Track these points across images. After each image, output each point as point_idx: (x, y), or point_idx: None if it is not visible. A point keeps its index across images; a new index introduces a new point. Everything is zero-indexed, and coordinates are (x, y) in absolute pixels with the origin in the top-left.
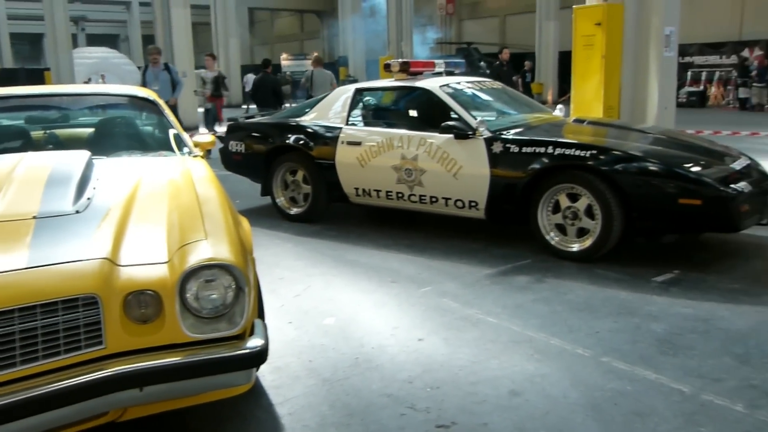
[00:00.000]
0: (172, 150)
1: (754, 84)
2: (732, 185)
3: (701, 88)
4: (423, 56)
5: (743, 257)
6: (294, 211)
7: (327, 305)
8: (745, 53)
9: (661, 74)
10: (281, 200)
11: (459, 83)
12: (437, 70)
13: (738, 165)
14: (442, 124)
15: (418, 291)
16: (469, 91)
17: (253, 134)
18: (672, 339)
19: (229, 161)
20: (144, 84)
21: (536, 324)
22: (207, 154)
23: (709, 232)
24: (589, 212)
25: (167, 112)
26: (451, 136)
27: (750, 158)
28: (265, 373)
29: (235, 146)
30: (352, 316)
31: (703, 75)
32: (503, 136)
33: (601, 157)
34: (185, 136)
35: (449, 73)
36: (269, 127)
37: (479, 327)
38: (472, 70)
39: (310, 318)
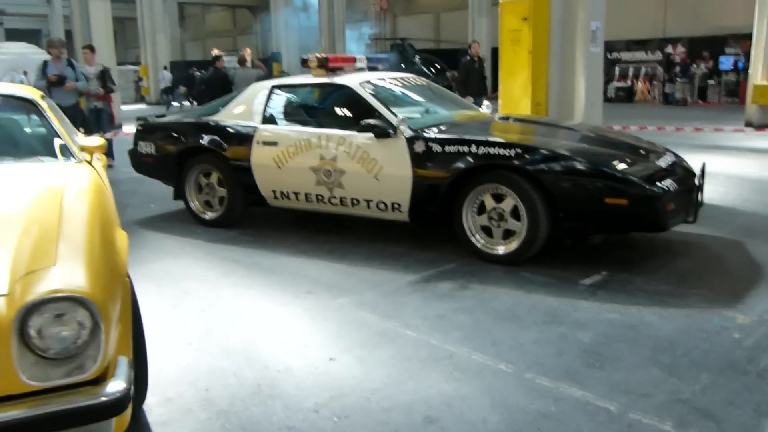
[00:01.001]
0: (53, 156)
1: (678, 79)
2: (658, 183)
3: (629, 83)
4: (358, 52)
5: (670, 256)
6: (209, 215)
7: (234, 322)
8: (669, 50)
9: (587, 70)
10: (195, 204)
11: (381, 79)
12: (359, 65)
13: (664, 162)
14: (361, 122)
15: (334, 302)
16: (392, 88)
17: (164, 134)
18: (599, 349)
19: (139, 163)
20: (47, 89)
21: (458, 337)
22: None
23: (636, 231)
24: (515, 213)
25: (49, 113)
26: (371, 135)
27: (676, 155)
28: (152, 406)
29: (144, 147)
30: (260, 334)
31: (630, 71)
32: (425, 135)
33: (526, 156)
34: (69, 140)
35: (372, 69)
36: (181, 127)
37: (396, 342)
38: (406, 66)
39: (213, 337)
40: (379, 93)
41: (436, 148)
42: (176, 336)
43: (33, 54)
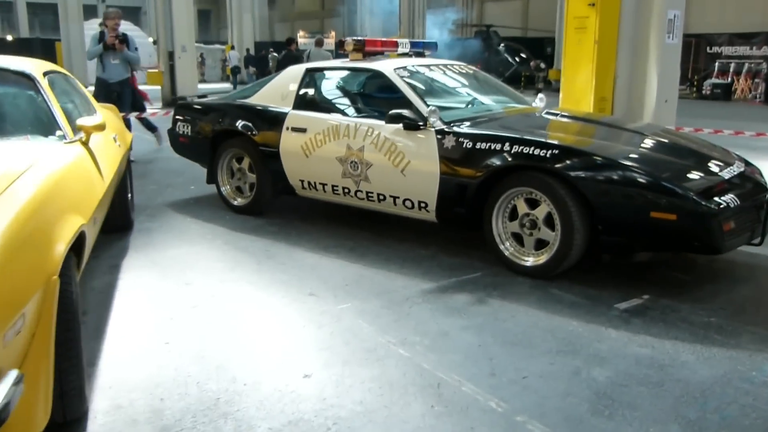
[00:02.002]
0: (44, 134)
1: None
2: (716, 198)
3: (728, 80)
4: (439, 38)
5: (729, 282)
6: (238, 202)
7: (220, 323)
8: None
9: (661, 63)
10: (226, 189)
11: (422, 66)
12: (401, 50)
13: (729, 173)
14: (390, 112)
15: (335, 308)
16: (433, 76)
17: (200, 116)
18: (614, 392)
19: (177, 144)
20: (100, 58)
21: (454, 361)
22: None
23: (687, 252)
24: (550, 222)
25: (47, 89)
26: (399, 126)
27: (750, 165)
28: (99, 412)
29: (181, 128)
30: (243, 339)
31: (732, 66)
32: (456, 129)
33: (563, 157)
34: (64, 118)
35: (419, 55)
36: (215, 109)
37: (384, 362)
38: (489, 54)
39: (193, 339)
40: (416, 81)
41: (467, 144)
42: (158, 333)
43: (130, 31)
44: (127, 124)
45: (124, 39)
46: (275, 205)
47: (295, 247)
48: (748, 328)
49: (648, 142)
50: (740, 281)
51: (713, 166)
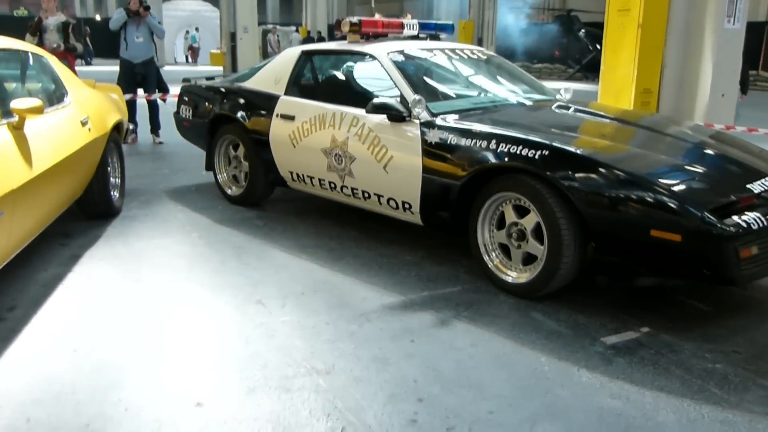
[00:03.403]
0: None
1: None
2: (735, 217)
3: None
4: (515, 23)
5: (759, 317)
6: (232, 191)
7: (144, 330)
8: None
9: (719, 51)
10: (223, 177)
11: (425, 49)
12: (408, 32)
13: (762, 186)
14: (373, 101)
15: (275, 320)
16: (436, 62)
17: (200, 99)
18: None
19: (181, 128)
20: (124, 34)
21: (376, 400)
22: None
23: (695, 280)
24: (540, 234)
25: None
26: (384, 117)
27: None
28: None
29: (184, 111)
30: (156, 352)
31: None
32: (441, 122)
33: (554, 160)
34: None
35: (434, 38)
36: (213, 92)
37: (294, 395)
38: (568, 39)
39: (103, 347)
40: (411, 67)
41: (451, 139)
42: (72, 338)
43: (206, 12)
44: (154, 107)
45: (148, 7)
46: (276, 195)
47: (271, 246)
48: (760, 381)
49: (669, 141)
50: None
51: (745, 178)
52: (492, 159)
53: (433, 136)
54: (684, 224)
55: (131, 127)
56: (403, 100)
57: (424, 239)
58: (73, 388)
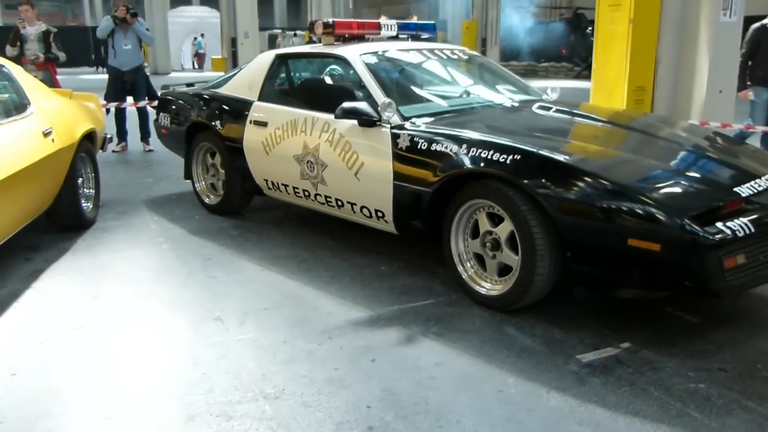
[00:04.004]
0: None
1: None
2: (719, 224)
3: None
4: (520, 23)
5: (751, 329)
6: (209, 200)
7: (91, 352)
8: None
9: (715, 46)
10: (200, 186)
11: (402, 50)
12: (386, 33)
13: (749, 189)
14: (342, 105)
15: (232, 339)
16: (414, 63)
17: (177, 106)
18: None
19: (160, 135)
20: (108, 42)
21: (321, 428)
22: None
23: (676, 292)
24: (515, 243)
25: None
26: (354, 122)
27: None
28: None
29: (163, 119)
30: (97, 378)
31: None
32: (411, 127)
33: (526, 164)
34: None
35: (415, 38)
36: (190, 99)
37: (234, 426)
38: (576, 38)
39: (45, 372)
40: (388, 70)
41: (422, 144)
42: (13, 361)
43: (211, 18)
44: (143, 114)
45: (135, 13)
46: (257, 204)
47: (242, 257)
48: (745, 403)
49: (653, 143)
50: (765, 329)
51: (734, 180)
52: (462, 164)
53: (404, 140)
54: (663, 232)
55: (108, 136)
56: (374, 103)
57: (403, 248)
58: (3, 416)
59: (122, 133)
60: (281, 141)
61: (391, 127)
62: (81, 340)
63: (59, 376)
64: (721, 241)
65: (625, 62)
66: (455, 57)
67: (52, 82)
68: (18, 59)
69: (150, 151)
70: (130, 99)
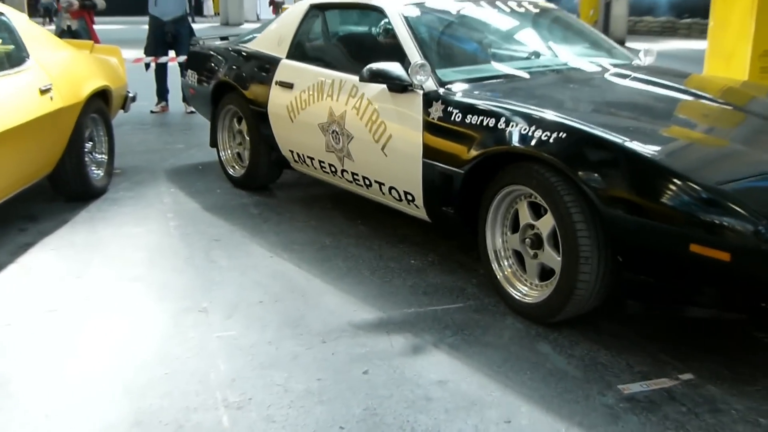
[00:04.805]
0: None
1: None
2: None
3: None
4: None
5: None
6: (233, 171)
7: (57, 341)
8: None
9: None
10: (226, 155)
11: (459, 2)
12: None
13: None
14: (369, 66)
15: (211, 335)
16: (467, 16)
17: (205, 63)
18: None
19: (188, 96)
20: None
21: None
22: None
23: (749, 315)
24: (557, 240)
25: None
26: (384, 86)
27: None
28: None
29: (190, 78)
30: (52, 375)
31: None
32: (445, 94)
33: (572, 145)
34: None
35: None
36: (218, 55)
37: None
38: None
39: (3, 358)
40: (435, 25)
41: (456, 115)
42: None
43: None
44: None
45: None
46: (290, 178)
47: (253, 240)
48: None
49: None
50: None
51: None
52: (498, 142)
53: (436, 110)
54: (733, 238)
55: (132, 95)
56: (408, 65)
57: (443, 241)
58: None
59: (162, 92)
60: (306, 106)
61: (424, 94)
62: (49, 325)
63: (12, 364)
64: None
65: (750, 19)
66: (522, 10)
67: (88, 32)
68: (50, 7)
69: (192, 112)
70: (172, 53)
